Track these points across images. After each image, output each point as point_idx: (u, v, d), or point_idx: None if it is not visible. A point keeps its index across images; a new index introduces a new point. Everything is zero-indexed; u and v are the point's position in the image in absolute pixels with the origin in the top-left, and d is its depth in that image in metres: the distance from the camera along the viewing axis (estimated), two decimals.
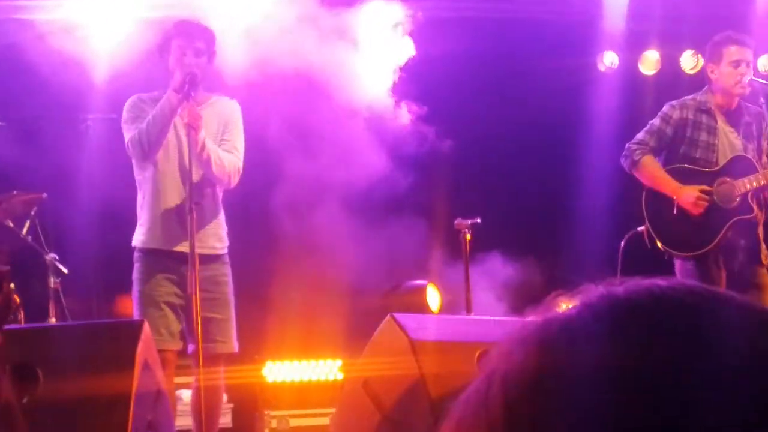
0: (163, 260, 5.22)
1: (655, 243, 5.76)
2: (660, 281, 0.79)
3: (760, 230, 5.72)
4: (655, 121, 5.88)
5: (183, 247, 5.11)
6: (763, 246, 5.71)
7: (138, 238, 5.30)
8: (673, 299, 0.77)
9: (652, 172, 5.81)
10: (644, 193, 5.85)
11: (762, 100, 5.72)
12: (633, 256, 6.23)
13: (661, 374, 0.72)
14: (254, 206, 6.65)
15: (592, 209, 7.40)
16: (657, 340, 0.74)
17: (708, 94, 5.88)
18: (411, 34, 6.45)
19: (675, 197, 5.71)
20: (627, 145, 5.89)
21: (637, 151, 5.82)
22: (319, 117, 6.33)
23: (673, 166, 5.82)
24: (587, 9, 7.59)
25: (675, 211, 5.71)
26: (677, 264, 5.80)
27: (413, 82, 6.48)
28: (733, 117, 5.86)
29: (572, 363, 0.75)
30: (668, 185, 5.75)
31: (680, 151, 5.82)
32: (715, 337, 0.74)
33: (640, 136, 5.87)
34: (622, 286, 0.79)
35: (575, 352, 0.75)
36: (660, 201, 5.77)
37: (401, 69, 6.38)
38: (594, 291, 0.80)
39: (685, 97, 5.94)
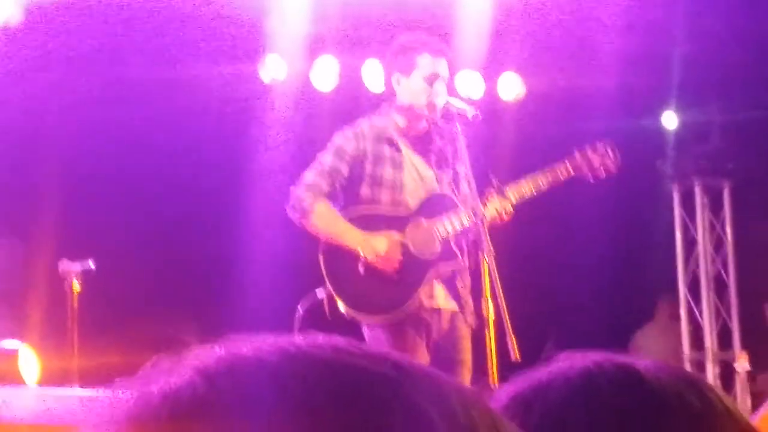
0: None
1: (338, 310, 5.47)
2: (299, 339, 0.83)
3: (467, 281, 5.54)
4: (326, 158, 5.56)
5: None
6: (469, 301, 5.52)
7: None
8: (314, 359, 0.80)
9: (328, 222, 5.51)
10: (321, 251, 5.54)
11: (457, 127, 5.55)
12: (316, 324, 5.91)
13: None
14: None
15: (258, 262, 7.15)
16: (300, 410, 0.76)
17: (388, 116, 5.63)
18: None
19: (360, 251, 5.43)
20: (293, 192, 5.54)
21: (308, 199, 5.48)
22: None
23: (358, 213, 5.55)
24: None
25: (362, 269, 5.44)
26: (365, 332, 5.52)
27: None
28: (421, 143, 5.64)
29: None
30: (349, 237, 5.46)
31: (361, 193, 5.56)
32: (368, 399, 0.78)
33: (309, 178, 5.53)
34: (250, 344, 0.82)
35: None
36: (342, 258, 5.47)
37: None
38: (211, 352, 0.81)
39: (360, 121, 5.66)
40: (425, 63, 5.53)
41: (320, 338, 0.83)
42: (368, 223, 5.51)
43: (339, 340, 0.84)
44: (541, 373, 1.19)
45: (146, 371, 0.82)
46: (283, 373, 0.79)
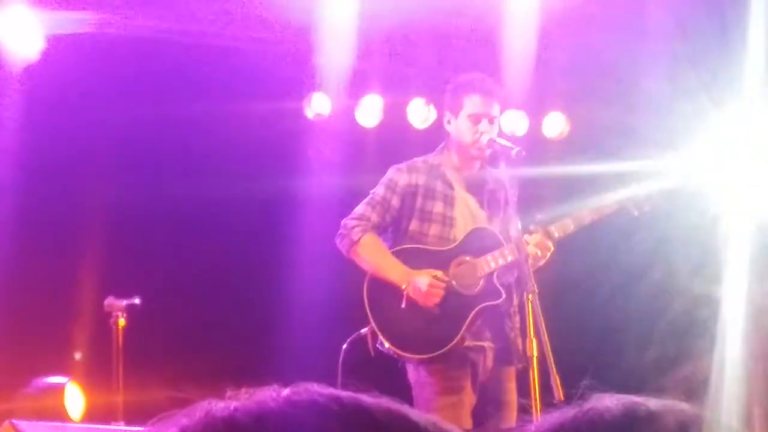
0: None
1: (382, 345, 5.46)
2: (281, 394, 0.88)
3: (515, 321, 5.52)
4: (378, 190, 5.65)
5: None
6: (518, 342, 5.49)
7: None
8: (279, 415, 0.85)
9: (375, 254, 5.55)
10: (366, 283, 5.56)
11: (503, 165, 5.57)
12: (360, 363, 5.83)
13: None
14: None
15: (305, 299, 7.10)
16: None
17: (443, 155, 5.71)
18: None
19: (403, 286, 5.45)
20: (343, 222, 5.61)
21: (356, 229, 5.55)
22: None
23: (402, 247, 5.58)
24: (292, 37, 7.33)
25: (404, 304, 5.45)
26: (409, 371, 5.52)
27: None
28: (474, 183, 5.69)
29: None
30: (394, 271, 5.49)
31: (410, 227, 5.60)
32: None
33: (359, 209, 5.62)
34: (233, 402, 0.88)
35: None
36: (386, 292, 5.49)
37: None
38: (199, 410, 0.89)
39: (415, 159, 5.74)
40: (472, 103, 5.59)
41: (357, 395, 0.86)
42: (414, 257, 5.52)
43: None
44: (578, 411, 1.22)
45: (153, 425, 0.86)
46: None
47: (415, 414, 0.90)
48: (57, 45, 6.69)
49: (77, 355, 6.57)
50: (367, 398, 0.89)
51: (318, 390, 0.89)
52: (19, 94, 6.72)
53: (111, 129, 7.10)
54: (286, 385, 0.95)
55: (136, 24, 6.97)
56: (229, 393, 0.91)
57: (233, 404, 0.87)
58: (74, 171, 7.00)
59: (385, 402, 0.89)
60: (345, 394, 0.89)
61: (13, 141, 6.70)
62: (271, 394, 0.88)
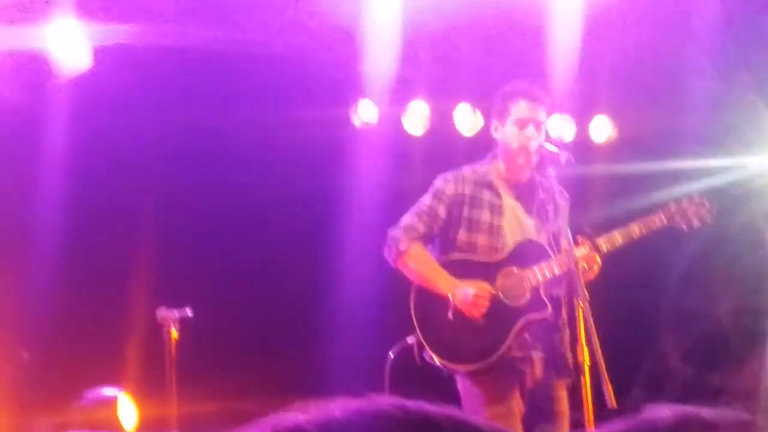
0: None
1: (429, 356, 5.44)
2: (348, 404, 0.89)
3: (564, 335, 5.48)
4: (425, 199, 5.60)
5: None
6: (567, 354, 5.46)
7: None
8: (345, 424, 0.86)
9: (422, 265, 5.51)
10: (413, 293, 5.54)
11: (550, 171, 5.54)
12: (406, 372, 5.83)
13: None
14: None
15: (353, 309, 7.12)
16: None
17: (492, 164, 5.65)
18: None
19: (450, 296, 5.42)
20: (390, 232, 5.57)
21: (404, 239, 5.51)
22: None
23: (449, 258, 5.54)
24: (338, 44, 7.33)
25: (450, 315, 5.43)
26: (458, 382, 5.49)
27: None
28: (523, 192, 5.64)
29: None
30: (441, 282, 5.44)
31: (458, 236, 5.56)
32: None
33: (407, 219, 5.57)
34: (301, 414, 0.89)
35: None
36: (432, 302, 5.44)
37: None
38: (269, 422, 0.91)
39: (463, 168, 5.68)
40: (518, 108, 5.54)
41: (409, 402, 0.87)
42: (459, 269, 5.48)
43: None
44: (631, 421, 1.22)
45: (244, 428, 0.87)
46: None
47: (478, 422, 0.92)
48: (105, 56, 6.73)
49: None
50: (431, 406, 0.90)
51: (384, 399, 0.90)
52: (68, 105, 6.78)
53: (160, 139, 7.12)
54: (336, 394, 0.96)
55: (183, 35, 7.00)
56: (297, 404, 0.93)
57: (302, 416, 0.89)
58: (126, 181, 7.03)
59: (449, 410, 0.91)
60: (410, 402, 0.90)
61: (63, 151, 6.76)
62: (339, 405, 0.89)
